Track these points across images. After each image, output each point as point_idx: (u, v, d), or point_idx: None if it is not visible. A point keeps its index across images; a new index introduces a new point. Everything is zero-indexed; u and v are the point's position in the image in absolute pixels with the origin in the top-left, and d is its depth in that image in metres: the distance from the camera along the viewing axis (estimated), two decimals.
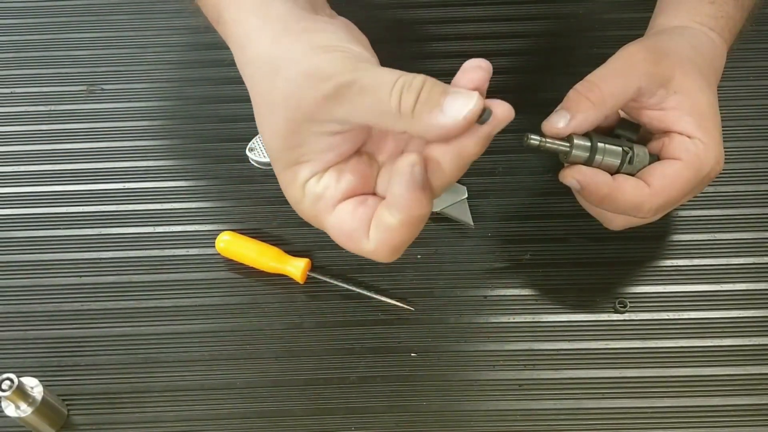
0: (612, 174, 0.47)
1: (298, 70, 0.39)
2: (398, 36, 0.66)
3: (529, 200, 0.58)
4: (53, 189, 0.60)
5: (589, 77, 0.46)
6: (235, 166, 0.60)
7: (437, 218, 0.57)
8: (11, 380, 0.45)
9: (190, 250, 0.57)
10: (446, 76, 0.65)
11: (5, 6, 0.69)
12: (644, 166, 0.51)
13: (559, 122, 0.45)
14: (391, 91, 0.37)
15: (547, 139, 0.46)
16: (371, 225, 0.39)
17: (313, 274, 0.55)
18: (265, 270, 0.55)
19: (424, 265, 0.56)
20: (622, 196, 0.45)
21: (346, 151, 0.40)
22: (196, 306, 0.55)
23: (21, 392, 0.46)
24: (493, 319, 0.53)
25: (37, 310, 0.55)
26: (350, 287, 0.54)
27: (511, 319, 0.53)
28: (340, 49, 0.40)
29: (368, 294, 0.54)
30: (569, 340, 0.53)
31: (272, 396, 0.51)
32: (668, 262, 0.55)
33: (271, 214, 0.58)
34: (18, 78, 0.65)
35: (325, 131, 0.39)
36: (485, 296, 0.54)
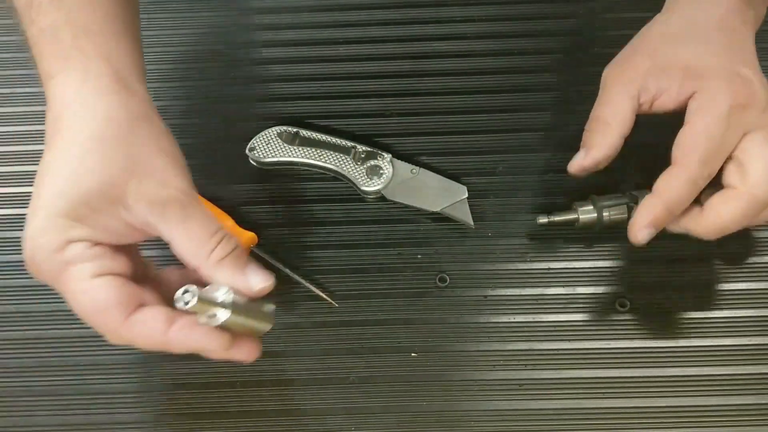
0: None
1: (147, 160, 0.41)
2: (398, 36, 0.66)
3: (529, 200, 0.58)
4: None
5: (591, 114, 0.51)
6: (235, 166, 0.60)
7: (437, 218, 0.57)
8: (191, 292, 0.40)
9: None
10: (446, 75, 0.65)
11: (5, 6, 0.69)
12: None
13: (577, 157, 0.51)
14: (213, 235, 0.41)
15: (555, 217, 0.54)
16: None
17: (255, 250, 0.55)
18: None
19: (424, 264, 0.56)
20: (695, 231, 0.49)
21: (123, 241, 0.42)
22: None
23: (207, 301, 0.41)
24: (493, 319, 0.53)
25: (37, 310, 0.55)
26: (285, 269, 0.55)
27: (511, 319, 0.53)
28: (184, 167, 0.44)
29: (299, 280, 0.54)
30: (569, 340, 0.53)
31: (272, 396, 0.51)
32: (668, 262, 0.55)
33: (272, 214, 0.58)
34: (18, 78, 0.65)
35: (125, 219, 0.41)
36: (485, 296, 0.54)
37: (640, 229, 0.48)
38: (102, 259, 0.40)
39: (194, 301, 0.39)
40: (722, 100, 0.46)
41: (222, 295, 0.41)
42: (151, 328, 0.40)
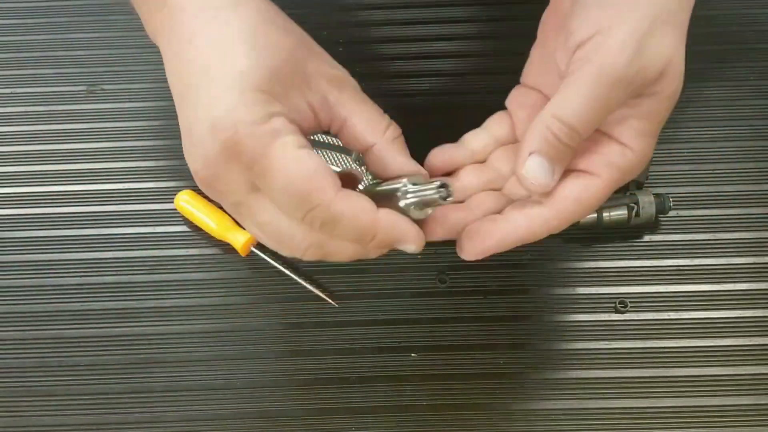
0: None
1: (311, 43, 0.40)
2: (398, 36, 0.66)
3: None
4: (53, 189, 0.60)
5: (568, 118, 0.39)
6: None
7: None
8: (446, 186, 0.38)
9: (189, 249, 0.57)
10: (446, 75, 0.65)
11: (5, 6, 0.69)
12: (651, 216, 0.53)
13: (544, 175, 0.40)
14: (383, 115, 0.42)
15: None
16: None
17: (255, 250, 0.55)
18: (212, 234, 0.56)
19: (424, 265, 0.56)
20: (534, 237, 0.42)
21: (306, 129, 0.40)
22: (196, 306, 0.55)
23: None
24: (492, 319, 0.53)
25: (37, 310, 0.55)
26: (285, 269, 0.55)
27: (511, 319, 0.53)
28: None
29: (299, 280, 0.54)
30: (569, 340, 0.53)
31: (272, 396, 0.51)
32: (668, 262, 0.55)
33: None
34: (18, 78, 0.65)
35: (310, 98, 0.39)
36: (485, 296, 0.54)
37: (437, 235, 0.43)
38: (301, 136, 0.38)
39: (413, 195, 0.39)
40: (628, 177, 0.42)
41: (431, 190, 0.39)
42: (363, 205, 0.37)
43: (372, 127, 0.41)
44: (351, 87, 0.41)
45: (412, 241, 0.39)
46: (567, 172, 0.41)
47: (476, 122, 0.61)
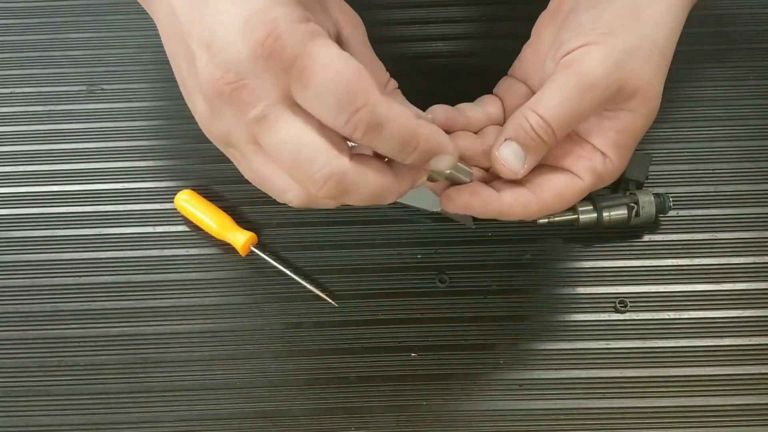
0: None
1: None
2: (398, 36, 0.66)
3: None
4: (53, 189, 0.60)
5: (544, 113, 0.42)
6: (235, 165, 0.60)
7: (437, 218, 0.57)
8: None
9: (189, 249, 0.57)
10: (446, 75, 0.65)
11: (5, 6, 0.69)
12: (651, 216, 0.53)
13: (514, 163, 0.43)
14: (384, 71, 0.43)
15: (555, 217, 0.53)
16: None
17: (254, 250, 0.55)
18: (212, 234, 0.56)
19: (424, 265, 0.56)
20: (511, 214, 0.44)
21: None
22: (196, 306, 0.55)
23: None
24: (492, 319, 0.53)
25: (37, 310, 0.55)
26: (285, 269, 0.54)
27: (511, 319, 0.53)
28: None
29: (299, 280, 0.54)
30: (569, 340, 0.53)
31: (272, 396, 0.51)
32: (668, 262, 0.55)
33: (272, 214, 0.58)
34: (18, 78, 0.65)
35: (326, 25, 0.40)
36: (485, 296, 0.54)
37: (454, 208, 0.44)
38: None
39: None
40: (605, 182, 0.46)
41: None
42: (407, 110, 0.35)
43: (375, 76, 0.40)
44: (362, 31, 0.41)
45: (450, 152, 0.38)
46: (553, 168, 0.45)
47: None
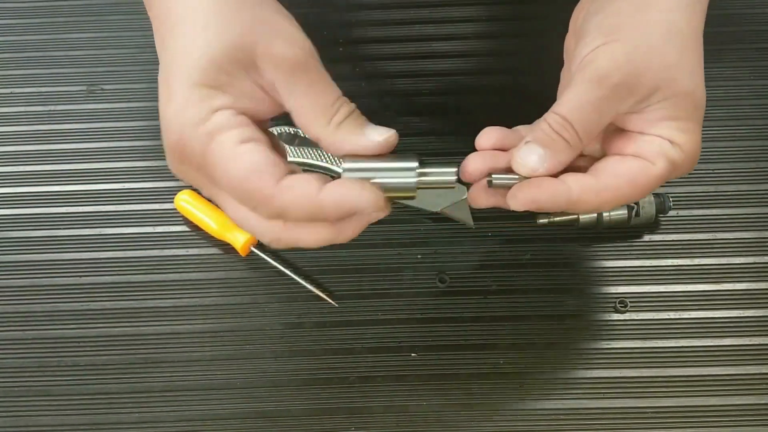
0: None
1: (272, 19, 0.40)
2: (398, 36, 0.66)
3: None
4: (53, 189, 0.60)
5: (562, 111, 0.42)
6: None
7: (437, 218, 0.57)
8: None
9: (189, 249, 0.57)
10: (445, 76, 0.65)
11: (5, 6, 0.69)
12: (651, 216, 0.53)
13: (532, 160, 0.42)
14: (335, 101, 0.40)
15: (555, 217, 0.54)
16: (332, 187, 0.38)
17: (254, 250, 0.55)
18: (212, 234, 0.56)
19: (424, 265, 0.56)
20: (583, 205, 0.42)
21: (259, 113, 0.40)
22: (196, 306, 0.55)
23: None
24: (492, 319, 0.53)
25: (37, 310, 0.55)
26: (285, 269, 0.55)
27: (511, 319, 0.53)
28: (303, 33, 0.41)
29: (299, 280, 0.54)
30: (569, 340, 0.53)
31: (272, 396, 0.51)
32: (668, 262, 0.55)
33: None
34: (18, 78, 0.65)
35: (261, 82, 0.40)
36: (485, 296, 0.54)
37: (523, 204, 0.42)
38: (246, 127, 0.39)
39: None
40: (683, 169, 0.43)
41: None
42: (304, 190, 0.38)
43: (317, 120, 0.40)
44: (302, 71, 0.40)
45: (367, 207, 0.39)
46: (623, 156, 0.43)
47: (475, 122, 0.61)
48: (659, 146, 0.42)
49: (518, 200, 0.42)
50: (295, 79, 0.40)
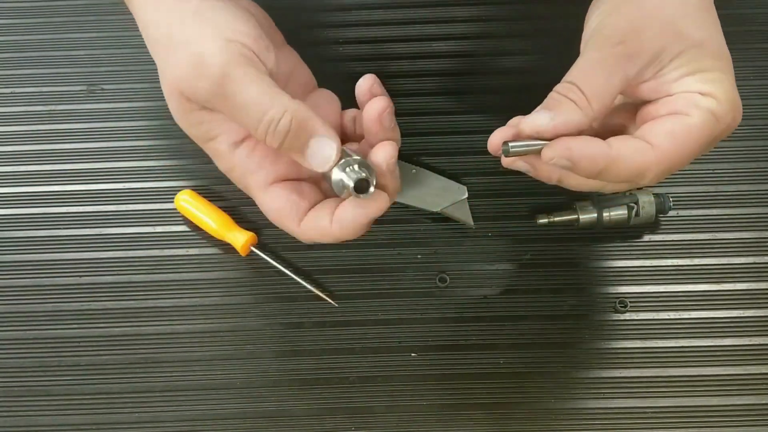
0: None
1: (186, 56, 0.41)
2: (398, 36, 0.66)
3: (529, 200, 0.57)
4: (53, 189, 0.60)
5: (568, 77, 0.41)
6: None
7: (437, 218, 0.57)
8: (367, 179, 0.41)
9: (189, 249, 0.57)
10: (445, 76, 0.65)
11: (5, 6, 0.69)
12: (651, 216, 0.53)
13: (539, 119, 0.40)
14: (258, 126, 0.40)
15: (555, 217, 0.54)
16: (335, 216, 0.42)
17: (254, 250, 0.56)
18: (212, 234, 0.56)
19: (424, 265, 0.56)
20: (623, 165, 0.39)
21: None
22: (196, 306, 0.55)
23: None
24: (492, 319, 0.53)
25: (37, 310, 0.55)
26: (285, 269, 0.55)
27: (511, 319, 0.53)
28: (242, 39, 0.41)
29: (299, 280, 0.54)
30: (569, 340, 0.53)
31: (272, 396, 0.51)
32: (668, 262, 0.55)
33: None
34: (18, 78, 0.65)
35: (220, 115, 0.42)
36: (485, 296, 0.54)
37: (556, 157, 0.40)
38: (266, 164, 0.43)
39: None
40: (727, 120, 0.40)
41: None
42: (322, 229, 0.42)
43: (255, 135, 0.41)
44: (220, 101, 0.40)
45: (380, 213, 0.42)
46: (658, 117, 0.41)
47: (476, 122, 0.61)
48: (689, 99, 0.40)
49: (553, 149, 0.39)
50: (220, 111, 0.41)
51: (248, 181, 0.43)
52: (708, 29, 0.42)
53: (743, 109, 0.40)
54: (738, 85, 0.62)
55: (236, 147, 0.43)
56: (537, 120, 0.40)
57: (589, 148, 0.39)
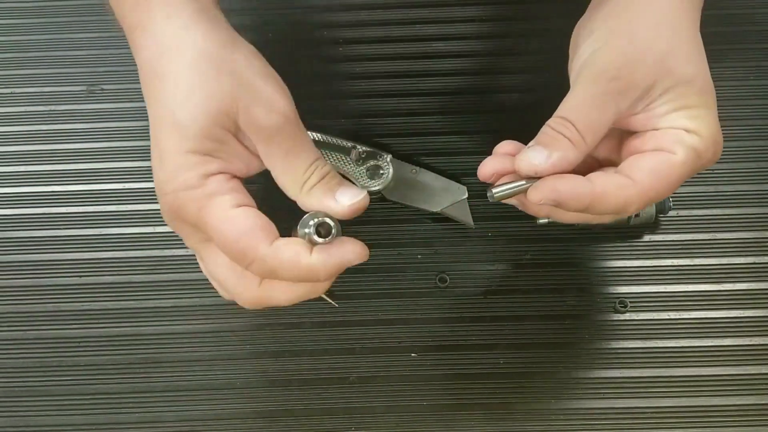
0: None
1: (253, 83, 0.41)
2: (398, 36, 0.66)
3: None
4: (53, 189, 0.60)
5: (561, 111, 0.42)
6: None
7: (437, 218, 0.57)
8: (328, 224, 0.41)
9: (189, 250, 0.57)
10: (446, 75, 0.65)
11: (5, 6, 0.69)
12: (651, 216, 0.53)
13: (536, 158, 0.41)
14: (309, 167, 0.42)
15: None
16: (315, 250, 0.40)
17: None
18: None
19: (424, 265, 0.56)
20: (606, 200, 0.40)
21: (252, 171, 0.43)
22: (196, 306, 0.55)
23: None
24: (492, 319, 0.53)
25: (37, 310, 0.55)
26: None
27: (511, 319, 0.53)
28: (287, 91, 0.43)
29: None
30: (569, 341, 0.53)
31: (272, 396, 0.51)
32: (668, 262, 0.55)
33: (272, 214, 0.58)
34: (18, 78, 0.65)
35: (248, 144, 0.42)
36: (485, 296, 0.54)
37: (541, 197, 0.41)
38: (238, 192, 0.41)
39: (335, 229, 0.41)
40: (708, 156, 0.42)
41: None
42: (296, 252, 0.40)
43: (291, 184, 0.42)
44: (279, 139, 0.41)
45: (357, 259, 0.42)
46: (642, 153, 0.42)
47: (476, 123, 0.61)
48: (675, 135, 0.41)
49: (539, 191, 0.41)
50: (273, 147, 0.41)
51: (211, 201, 0.40)
52: (697, 64, 0.43)
53: (743, 109, 0.40)
54: (738, 85, 0.62)
55: (220, 175, 0.41)
56: (534, 159, 0.41)
57: (575, 188, 0.40)
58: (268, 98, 0.41)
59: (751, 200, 0.57)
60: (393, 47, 0.65)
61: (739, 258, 0.55)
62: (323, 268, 0.40)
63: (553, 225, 0.55)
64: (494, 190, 0.42)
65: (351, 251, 0.41)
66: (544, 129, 0.42)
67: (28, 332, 0.54)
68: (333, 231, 0.41)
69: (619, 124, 0.43)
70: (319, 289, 0.43)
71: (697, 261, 0.55)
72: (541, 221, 0.55)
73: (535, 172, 0.41)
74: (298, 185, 0.42)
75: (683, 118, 0.42)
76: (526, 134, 0.60)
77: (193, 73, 0.41)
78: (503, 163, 0.43)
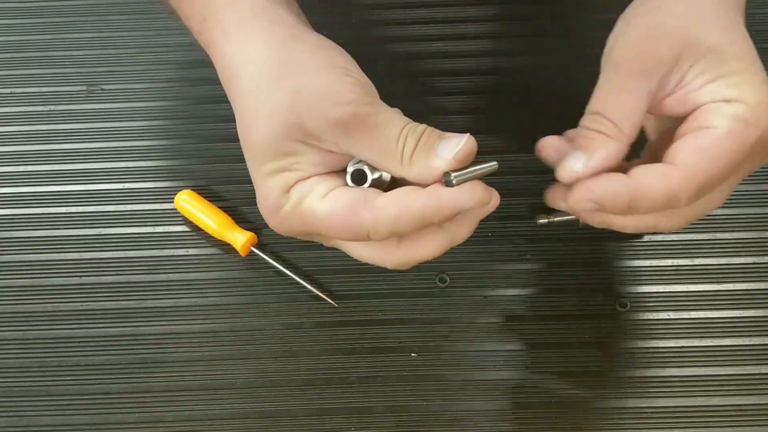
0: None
1: (313, 83, 0.39)
2: (398, 36, 0.66)
3: (529, 201, 0.57)
4: (53, 189, 0.60)
5: (592, 106, 0.40)
6: (235, 166, 0.60)
7: None
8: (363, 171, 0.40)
9: (189, 250, 0.57)
10: (445, 76, 0.65)
11: (5, 6, 0.69)
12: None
13: (575, 164, 0.39)
14: (399, 135, 0.39)
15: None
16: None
17: (254, 250, 0.55)
18: (212, 234, 0.56)
19: (424, 264, 0.55)
20: (648, 193, 0.37)
21: (336, 167, 0.41)
22: (196, 306, 0.55)
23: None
24: (493, 319, 0.53)
25: (37, 310, 0.55)
26: (285, 269, 0.55)
27: (511, 319, 0.53)
28: (355, 75, 0.40)
29: (299, 280, 0.54)
30: (569, 341, 0.53)
31: (272, 396, 0.51)
32: (668, 262, 0.55)
33: None
34: (18, 78, 0.65)
35: (322, 148, 0.40)
36: (485, 296, 0.54)
37: (581, 203, 0.39)
38: (319, 182, 0.40)
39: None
40: (762, 123, 0.38)
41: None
42: (406, 196, 0.38)
43: (391, 162, 0.39)
44: (356, 126, 0.39)
45: (477, 204, 0.38)
46: (680, 136, 0.39)
47: (476, 123, 0.61)
48: (713, 109, 0.38)
49: (573, 193, 0.39)
50: (353, 136, 0.39)
51: (303, 206, 0.40)
52: (723, 32, 0.40)
53: None
54: None
55: (298, 182, 0.41)
56: (574, 166, 0.39)
57: (608, 184, 0.38)
58: (330, 91, 0.39)
59: (751, 200, 0.57)
60: (393, 47, 0.65)
61: (739, 258, 0.55)
62: (442, 208, 0.37)
63: (553, 225, 0.55)
64: (547, 220, 0.47)
65: (473, 193, 0.37)
66: (578, 130, 0.40)
67: (27, 332, 0.54)
68: (369, 177, 0.40)
69: (659, 111, 0.41)
70: (459, 237, 0.40)
71: (697, 261, 0.55)
72: (541, 221, 0.54)
73: (577, 178, 0.39)
74: (398, 161, 0.39)
75: (722, 87, 0.38)
76: (526, 133, 0.60)
77: (250, 97, 0.40)
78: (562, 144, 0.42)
